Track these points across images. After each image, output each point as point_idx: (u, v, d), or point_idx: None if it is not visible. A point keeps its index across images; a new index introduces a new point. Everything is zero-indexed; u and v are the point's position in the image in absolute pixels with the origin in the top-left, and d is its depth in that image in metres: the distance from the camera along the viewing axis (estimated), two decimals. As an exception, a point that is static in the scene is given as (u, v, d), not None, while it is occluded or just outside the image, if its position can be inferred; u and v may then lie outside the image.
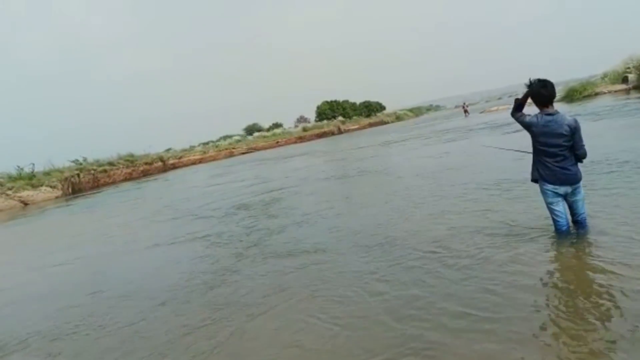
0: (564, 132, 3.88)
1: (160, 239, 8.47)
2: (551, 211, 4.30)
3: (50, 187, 27.78)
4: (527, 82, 4.06)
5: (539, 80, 3.97)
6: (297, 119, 76.07)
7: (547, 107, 3.99)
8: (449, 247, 4.83)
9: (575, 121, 3.93)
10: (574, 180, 4.05)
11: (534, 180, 4.29)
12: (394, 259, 4.79)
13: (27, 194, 25.95)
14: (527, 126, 4.12)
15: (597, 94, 27.26)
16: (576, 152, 3.98)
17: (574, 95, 28.17)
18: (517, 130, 16.11)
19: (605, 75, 30.09)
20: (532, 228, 4.86)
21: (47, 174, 29.40)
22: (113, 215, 14.20)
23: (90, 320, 4.66)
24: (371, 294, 3.99)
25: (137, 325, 4.29)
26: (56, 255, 8.92)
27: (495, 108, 41.69)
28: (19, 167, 28.70)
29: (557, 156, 3.98)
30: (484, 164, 10.14)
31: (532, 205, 5.71)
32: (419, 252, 4.84)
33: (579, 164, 4.11)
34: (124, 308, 4.86)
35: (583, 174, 4.17)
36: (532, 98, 4.05)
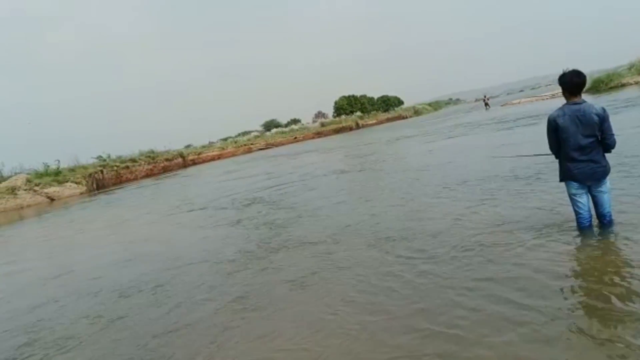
0: (594, 121, 3.80)
1: (202, 222, 9.28)
2: (574, 203, 4.21)
3: (75, 183, 28.36)
4: (561, 73, 3.98)
5: (573, 70, 3.92)
6: (315, 115, 76.33)
7: (576, 96, 3.93)
8: (455, 244, 4.78)
9: (604, 110, 3.86)
10: (602, 174, 3.97)
11: (563, 181, 4.20)
12: (402, 256, 4.77)
13: (53, 190, 26.53)
14: (555, 128, 4.00)
15: (623, 85, 26.67)
16: (606, 141, 3.89)
17: (600, 86, 27.61)
18: (518, 126, 16.70)
19: (631, 66, 29.40)
20: (547, 224, 4.77)
21: (71, 170, 30.07)
22: (147, 206, 14.82)
23: (177, 278, 5.61)
24: (386, 296, 3.93)
25: (201, 287, 5.08)
26: (117, 236, 9.83)
27: (517, 101, 41.10)
28: (45, 163, 29.36)
29: (586, 148, 3.88)
30: (471, 161, 10.39)
31: (536, 200, 5.73)
32: (427, 251, 4.78)
33: (607, 154, 4.01)
34: (196, 272, 5.73)
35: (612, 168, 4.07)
36: (562, 86, 3.99)
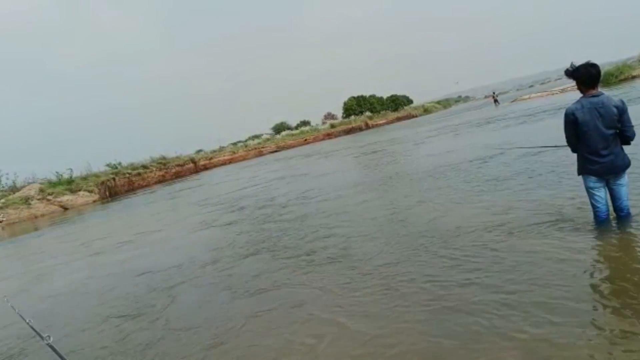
0: (613, 113, 3.73)
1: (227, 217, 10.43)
2: (591, 196, 4.14)
3: (88, 191, 28.75)
4: (569, 67, 3.94)
5: (587, 62, 3.86)
6: (325, 116, 76.25)
7: (594, 88, 3.86)
8: (463, 242, 4.75)
9: (622, 102, 3.79)
10: (623, 167, 3.89)
11: (582, 174, 4.13)
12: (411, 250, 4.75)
13: (66, 198, 26.91)
14: (573, 122, 3.91)
15: (634, 77, 26.32)
16: (625, 133, 3.82)
17: (610, 79, 27.23)
18: (510, 125, 17.00)
19: (642, 57, 29.03)
20: (564, 218, 4.72)
21: (84, 178, 30.44)
22: (171, 207, 16.14)
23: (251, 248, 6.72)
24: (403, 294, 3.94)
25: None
26: (174, 229, 10.55)
27: (527, 96, 40.66)
28: (57, 173, 29.79)
29: (605, 140, 3.81)
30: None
31: (550, 194, 5.67)
32: (435, 247, 4.76)
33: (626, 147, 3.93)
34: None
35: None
36: (579, 79, 3.89)
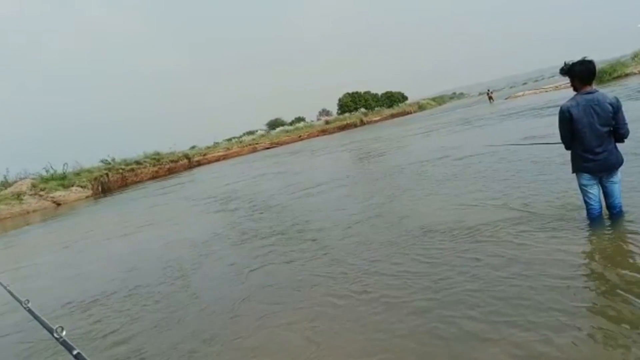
0: (608, 111, 3.74)
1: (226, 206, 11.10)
2: (584, 194, 4.16)
3: (81, 187, 28.50)
4: (563, 66, 3.94)
5: (583, 59, 3.85)
6: (320, 112, 76.16)
7: (589, 85, 3.87)
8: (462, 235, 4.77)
9: (617, 99, 3.80)
10: (616, 165, 3.91)
11: (576, 172, 4.14)
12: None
13: (59, 194, 26.68)
14: (568, 119, 3.90)
15: (627, 75, 26.43)
16: (619, 131, 3.83)
17: (603, 77, 27.33)
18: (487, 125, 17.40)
19: (635, 55, 29.15)
20: (556, 215, 4.74)
21: (77, 174, 30.15)
22: (168, 201, 16.40)
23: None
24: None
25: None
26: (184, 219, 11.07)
27: (521, 93, 40.82)
28: (47, 167, 29.55)
29: (600, 138, 3.82)
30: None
31: (544, 190, 5.72)
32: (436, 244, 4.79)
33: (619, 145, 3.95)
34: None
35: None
36: (576, 75, 3.88)
